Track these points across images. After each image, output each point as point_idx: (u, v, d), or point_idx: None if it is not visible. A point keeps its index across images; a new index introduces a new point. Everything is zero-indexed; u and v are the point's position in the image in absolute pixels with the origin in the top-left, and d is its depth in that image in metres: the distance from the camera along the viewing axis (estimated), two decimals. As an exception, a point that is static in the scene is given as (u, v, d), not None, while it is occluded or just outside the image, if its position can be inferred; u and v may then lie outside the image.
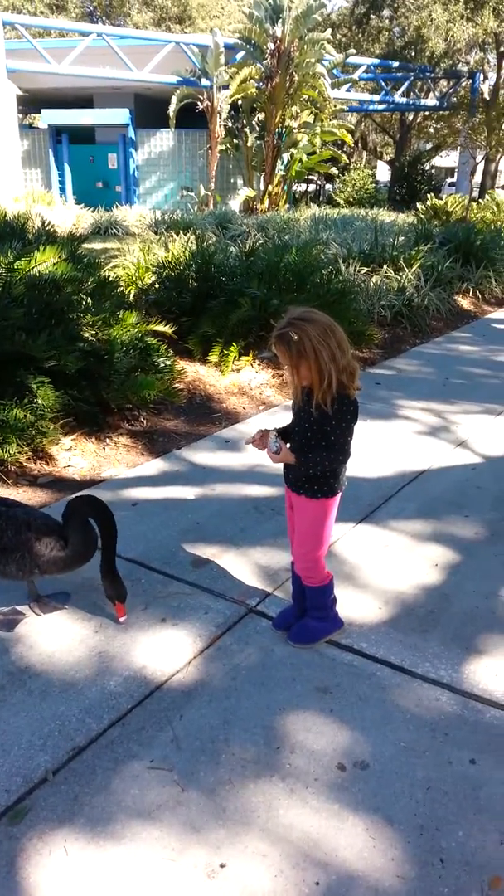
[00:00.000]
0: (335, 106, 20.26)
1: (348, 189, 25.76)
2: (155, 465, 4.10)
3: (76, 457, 4.08)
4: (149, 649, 2.47)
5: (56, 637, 2.53)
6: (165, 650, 2.47)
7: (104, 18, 33.86)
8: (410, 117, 29.64)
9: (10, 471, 3.79)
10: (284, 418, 5.03)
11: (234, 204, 20.25)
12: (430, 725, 2.15)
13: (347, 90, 22.60)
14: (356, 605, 2.75)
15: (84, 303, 4.66)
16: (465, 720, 2.17)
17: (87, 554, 2.54)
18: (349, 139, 21.19)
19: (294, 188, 23.89)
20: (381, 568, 3.04)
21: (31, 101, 21.96)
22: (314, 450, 2.27)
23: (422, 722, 2.17)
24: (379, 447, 4.40)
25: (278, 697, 2.26)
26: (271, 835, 1.81)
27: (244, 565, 3.03)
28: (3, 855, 1.73)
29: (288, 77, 17.90)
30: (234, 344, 5.81)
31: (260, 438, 2.37)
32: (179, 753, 2.04)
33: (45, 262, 4.52)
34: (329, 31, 19.39)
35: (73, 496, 2.58)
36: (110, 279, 5.40)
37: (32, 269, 4.46)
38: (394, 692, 2.29)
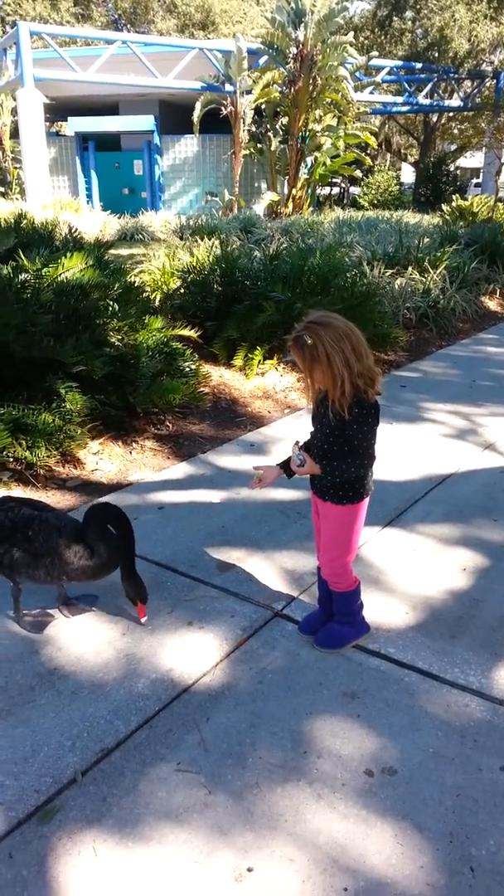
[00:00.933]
0: (358, 108, 20.22)
1: (372, 191, 25.69)
2: (181, 469, 4.12)
3: (103, 461, 4.12)
4: (175, 652, 2.48)
5: (84, 639, 2.56)
6: (192, 653, 2.48)
7: (128, 26, 34.21)
8: (434, 118, 29.48)
9: (39, 474, 3.83)
10: (309, 422, 5.00)
11: (259, 208, 20.30)
12: (459, 732, 2.13)
13: (371, 93, 22.54)
14: (383, 610, 2.74)
15: (110, 308, 4.70)
16: (494, 727, 2.15)
17: (112, 563, 2.55)
18: (373, 141, 21.14)
19: (318, 191, 23.88)
20: (408, 572, 3.02)
21: (58, 109, 22.24)
22: (338, 457, 2.26)
23: (451, 728, 2.15)
24: (405, 450, 4.38)
25: (305, 702, 2.26)
26: (299, 839, 1.80)
27: (270, 569, 3.03)
28: (34, 854, 1.75)
29: (311, 81, 17.90)
30: (258, 348, 5.82)
31: (265, 473, 2.41)
32: (206, 756, 2.04)
33: (73, 268, 4.58)
34: (351, 33, 19.41)
35: (90, 504, 2.61)
36: (136, 284, 5.44)
37: (60, 275, 4.51)
38: (422, 698, 2.28)
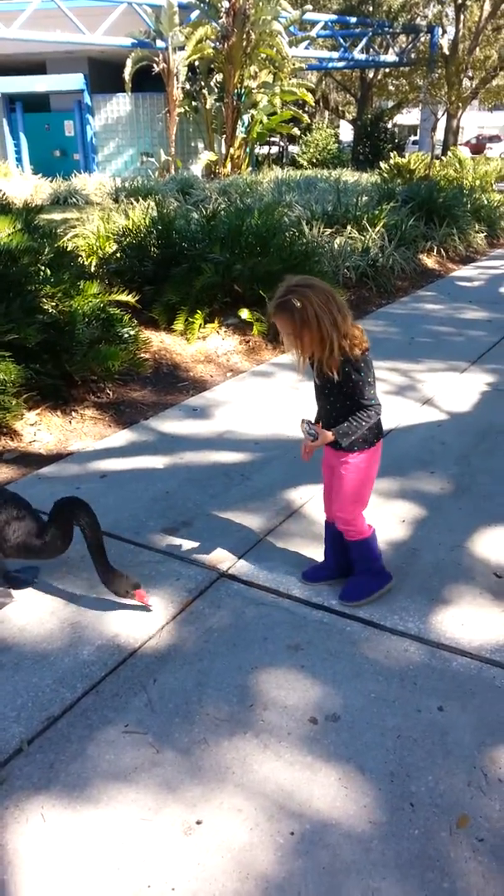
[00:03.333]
0: (294, 64, 19.90)
1: (311, 150, 25.41)
2: (123, 437, 4.08)
3: (42, 431, 4.04)
4: (121, 618, 2.48)
5: (27, 611, 2.53)
6: (138, 618, 2.48)
7: (52, -22, 32.61)
8: (371, 74, 29.25)
9: (-26, 448, 3.74)
10: (252, 384, 4.98)
11: (196, 169, 19.89)
12: (399, 676, 2.20)
13: (306, 48, 22.17)
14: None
15: (42, 274, 4.57)
16: (432, 669, 2.22)
17: (61, 550, 2.50)
18: (310, 98, 20.85)
19: (256, 150, 23.50)
20: (349, 527, 3.07)
21: (-19, 69, 21.23)
22: (345, 416, 2.28)
23: (391, 673, 2.21)
24: (346, 408, 4.41)
25: (250, 657, 2.29)
26: (246, 790, 1.84)
27: (215, 531, 3.04)
28: (-19, 825, 1.74)
29: (244, 36, 17.50)
30: (198, 311, 5.75)
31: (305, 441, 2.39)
32: (154, 716, 2.06)
33: None
34: (285, -14, 18.92)
35: (64, 498, 2.48)
36: (69, 249, 5.30)
37: (-14, 241, 4.35)
38: (363, 646, 2.33)
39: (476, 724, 2.02)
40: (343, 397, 2.29)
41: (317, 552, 2.84)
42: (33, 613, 2.51)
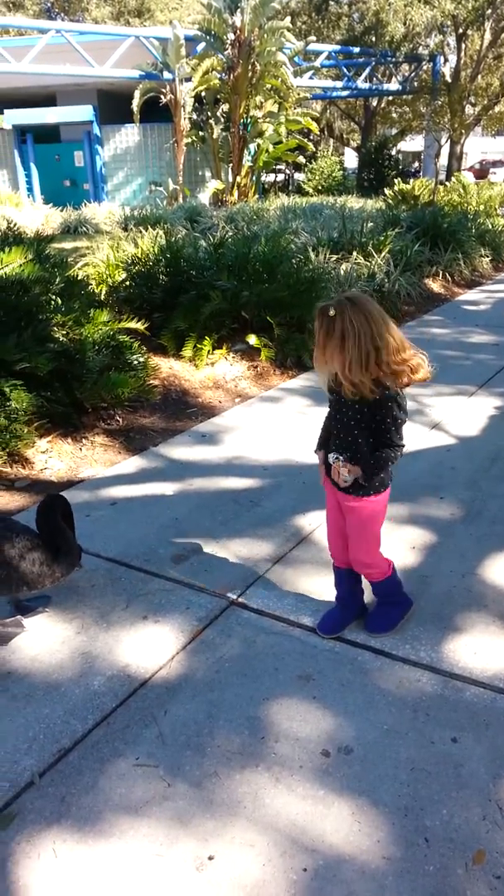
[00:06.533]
0: (299, 94, 20.21)
1: (316, 177, 25.74)
2: (133, 463, 4.10)
3: (53, 458, 4.06)
4: (131, 647, 2.47)
5: (38, 640, 2.53)
6: (148, 647, 2.47)
7: (62, 15, 33.49)
8: (374, 103, 29.66)
9: (-15, 476, 3.76)
10: (261, 410, 5.00)
11: (204, 197, 20.16)
12: (411, 707, 2.18)
13: (310, 78, 22.56)
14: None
15: (53, 303, 4.62)
16: (445, 699, 2.20)
17: (75, 561, 2.54)
18: (314, 127, 21.16)
19: (263, 178, 23.83)
20: (360, 554, 3.06)
21: (-7, 102, 21.69)
22: (370, 453, 2.22)
23: (404, 704, 2.19)
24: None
25: (262, 687, 2.28)
26: (258, 824, 1.82)
27: (224, 558, 3.04)
28: (-8, 860, 1.73)
29: (250, 67, 17.82)
30: (207, 338, 5.80)
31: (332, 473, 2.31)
32: (165, 749, 2.05)
33: (12, 263, 4.48)
34: (288, 18, 19.33)
35: (39, 507, 2.58)
36: (79, 278, 5.37)
37: (-2, 271, 4.42)
38: (375, 676, 2.32)
39: (491, 755, 1.99)
40: (369, 432, 2.22)
41: (326, 581, 2.83)
42: (44, 643, 2.51)
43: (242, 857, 1.74)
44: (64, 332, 4.46)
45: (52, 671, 2.37)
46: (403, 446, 2.26)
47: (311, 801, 1.88)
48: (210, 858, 1.74)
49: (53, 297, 4.69)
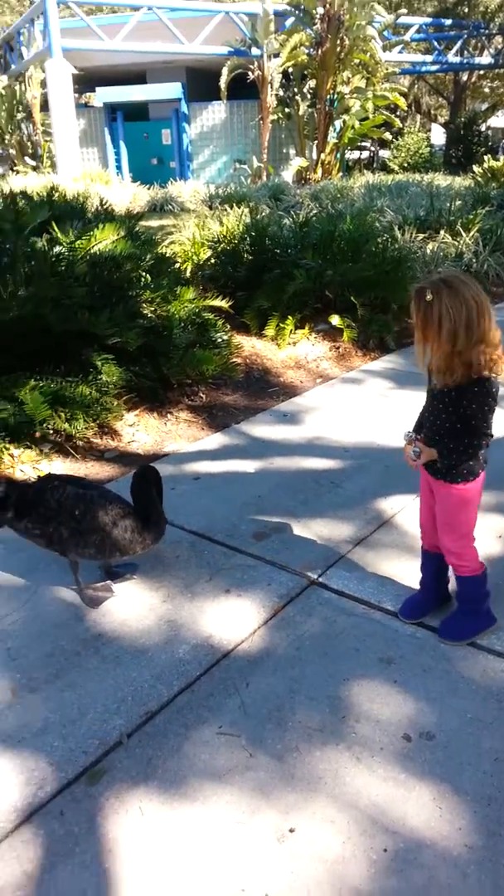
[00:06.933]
0: (387, 69, 19.67)
1: (402, 154, 25.03)
2: (215, 440, 4.15)
3: (139, 432, 4.16)
4: (215, 619, 2.52)
5: (126, 606, 2.61)
6: (231, 620, 2.52)
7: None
8: (465, 77, 28.54)
9: (78, 446, 3.89)
10: (342, 391, 4.95)
11: (288, 175, 19.96)
12: (496, 696, 2.15)
13: (399, 52, 21.86)
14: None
15: (143, 279, 4.70)
16: (533, 693, 2.16)
17: (163, 530, 2.63)
18: (402, 103, 20.56)
19: (347, 155, 23.37)
20: (444, 541, 3.01)
21: (86, 80, 21.96)
22: (453, 436, 2.18)
23: (488, 693, 2.16)
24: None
25: (342, 667, 2.29)
26: (339, 801, 1.84)
27: (305, 538, 3.05)
28: (84, 812, 1.82)
29: (338, 41, 17.45)
30: (289, 317, 5.78)
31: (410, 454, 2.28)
32: (247, 720, 2.09)
33: (105, 240, 4.57)
34: (381, -10, 18.77)
35: (133, 476, 2.65)
36: (167, 255, 5.43)
37: (93, 247, 4.52)
38: (458, 663, 2.29)
39: None
40: (457, 418, 2.17)
41: (408, 566, 2.80)
42: (132, 609, 2.59)
43: (323, 833, 1.76)
44: (152, 309, 4.53)
45: (140, 636, 2.44)
46: (492, 436, 2.18)
47: (391, 783, 1.88)
48: (291, 831, 1.77)
49: (143, 273, 4.77)
